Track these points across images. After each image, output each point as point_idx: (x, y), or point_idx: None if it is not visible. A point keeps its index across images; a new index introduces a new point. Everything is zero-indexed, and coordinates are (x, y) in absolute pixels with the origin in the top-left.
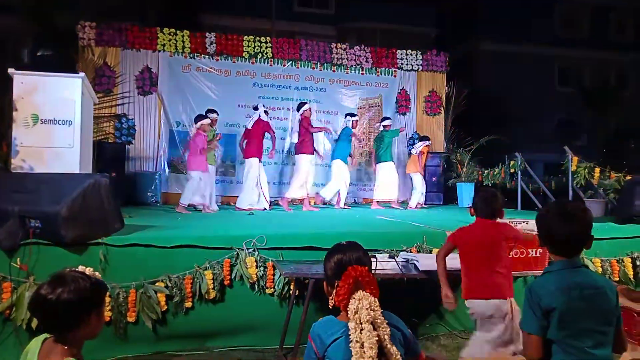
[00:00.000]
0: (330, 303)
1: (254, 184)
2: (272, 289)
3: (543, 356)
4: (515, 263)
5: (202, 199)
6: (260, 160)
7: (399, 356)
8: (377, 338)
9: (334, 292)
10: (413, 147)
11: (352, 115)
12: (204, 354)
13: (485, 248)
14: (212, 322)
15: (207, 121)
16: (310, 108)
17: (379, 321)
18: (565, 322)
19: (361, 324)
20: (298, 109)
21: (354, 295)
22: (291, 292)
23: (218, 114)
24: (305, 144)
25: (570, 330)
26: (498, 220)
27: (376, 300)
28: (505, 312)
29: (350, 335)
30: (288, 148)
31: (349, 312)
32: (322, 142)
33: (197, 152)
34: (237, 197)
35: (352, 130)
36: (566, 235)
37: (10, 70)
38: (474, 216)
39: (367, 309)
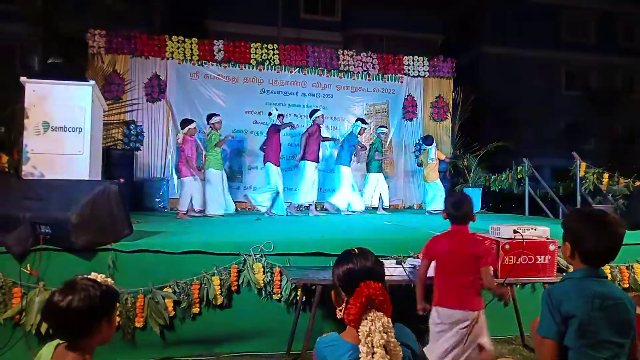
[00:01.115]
0: (338, 314)
1: (276, 189)
2: (280, 295)
3: None
4: (523, 269)
5: (197, 204)
6: (278, 166)
7: None
8: None
9: (343, 304)
10: (421, 152)
11: (363, 122)
12: (211, 359)
13: (455, 260)
14: (220, 328)
15: (193, 125)
16: (322, 115)
17: (392, 344)
18: (585, 332)
19: (373, 347)
20: (310, 115)
21: (366, 316)
22: (298, 298)
23: (220, 116)
24: (311, 151)
25: (589, 340)
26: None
27: (389, 320)
28: (464, 325)
29: (360, 358)
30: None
31: (360, 334)
32: (326, 147)
33: (186, 159)
34: (245, 202)
35: (358, 137)
36: (605, 249)
37: (23, 79)
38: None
39: (380, 332)
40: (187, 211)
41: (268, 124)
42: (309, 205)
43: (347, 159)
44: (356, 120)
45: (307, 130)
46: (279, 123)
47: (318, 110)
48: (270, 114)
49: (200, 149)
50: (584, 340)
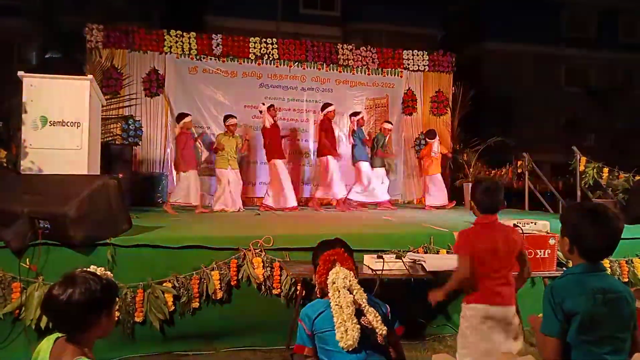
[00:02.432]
0: (316, 289)
1: (281, 184)
2: (279, 290)
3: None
4: None
5: (186, 199)
6: (282, 159)
7: (377, 314)
8: (352, 299)
9: (316, 276)
10: (422, 148)
11: (355, 114)
12: (211, 354)
13: (497, 254)
14: (219, 323)
15: (188, 119)
16: (334, 110)
17: (355, 287)
18: (587, 328)
19: (338, 290)
20: (322, 109)
21: (331, 271)
22: (298, 292)
23: (236, 118)
24: (326, 146)
25: (591, 335)
26: (504, 222)
27: (351, 272)
28: (509, 321)
29: (331, 302)
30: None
31: (328, 285)
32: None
33: (182, 152)
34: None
35: (362, 129)
36: (599, 241)
37: (20, 73)
38: (475, 213)
39: (343, 278)
40: (168, 203)
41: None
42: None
43: (362, 155)
44: (350, 117)
45: (321, 126)
46: (270, 117)
47: (331, 104)
48: (260, 112)
49: (199, 143)
50: (586, 336)
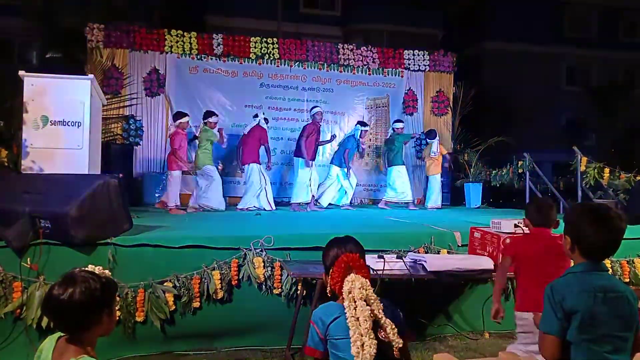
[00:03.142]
0: (328, 290)
1: (257, 188)
2: (280, 289)
3: (560, 357)
4: None
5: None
6: (259, 164)
7: (393, 326)
8: (370, 312)
9: (328, 278)
10: (424, 148)
11: (363, 124)
12: (211, 353)
13: (545, 260)
14: (220, 322)
15: (185, 119)
16: (320, 112)
17: (371, 298)
18: (587, 326)
19: (355, 301)
20: (311, 110)
21: (347, 278)
22: (298, 292)
23: (217, 116)
24: (303, 149)
25: (591, 334)
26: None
27: (367, 281)
28: None
29: (346, 312)
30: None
31: (343, 293)
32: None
33: (174, 151)
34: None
35: (359, 140)
36: (605, 243)
37: (21, 73)
38: (528, 227)
39: (359, 288)
40: (175, 205)
41: (250, 124)
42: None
43: (340, 160)
44: (356, 125)
45: (304, 128)
46: (264, 126)
47: (317, 106)
48: (256, 115)
49: (222, 140)
50: (587, 334)
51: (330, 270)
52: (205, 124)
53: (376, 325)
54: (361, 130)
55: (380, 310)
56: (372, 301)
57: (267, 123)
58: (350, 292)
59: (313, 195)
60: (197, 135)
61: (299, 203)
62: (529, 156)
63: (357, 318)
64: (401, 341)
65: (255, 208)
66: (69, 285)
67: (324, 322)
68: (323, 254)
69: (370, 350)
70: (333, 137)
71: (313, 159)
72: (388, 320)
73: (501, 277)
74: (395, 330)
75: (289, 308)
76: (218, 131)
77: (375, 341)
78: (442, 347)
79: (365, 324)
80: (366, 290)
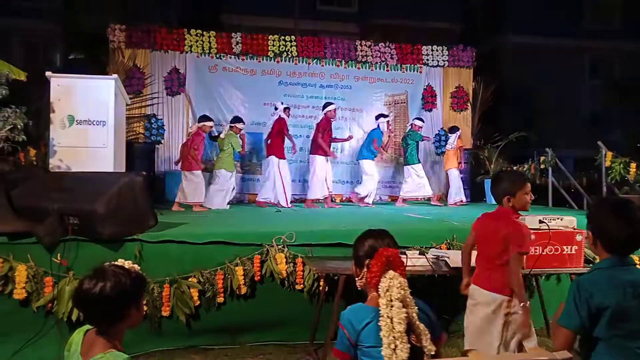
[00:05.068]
0: (358, 284)
1: (273, 182)
2: (302, 285)
3: (569, 349)
4: (549, 260)
5: (195, 198)
6: (281, 158)
7: (426, 332)
8: (406, 315)
9: (363, 272)
10: (447, 143)
11: (384, 116)
12: (235, 348)
13: (486, 241)
14: (244, 317)
15: (209, 124)
16: (335, 109)
17: (408, 300)
18: (618, 322)
19: (392, 301)
20: (323, 108)
21: (385, 275)
22: (321, 288)
23: (244, 124)
24: (319, 145)
25: (622, 330)
26: (515, 213)
27: (405, 280)
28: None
29: (380, 311)
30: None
31: (379, 290)
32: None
33: (195, 152)
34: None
35: (382, 133)
36: (626, 236)
37: (48, 74)
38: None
39: (397, 287)
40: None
41: (273, 118)
42: (325, 198)
43: (370, 153)
44: (377, 118)
45: (318, 125)
46: (285, 117)
47: (331, 103)
48: (276, 108)
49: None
50: (617, 330)
51: (366, 262)
52: (231, 128)
53: (409, 329)
54: (385, 122)
55: (415, 314)
56: (408, 303)
57: (288, 111)
58: (387, 290)
59: (330, 191)
60: (220, 136)
61: (315, 200)
62: (551, 152)
63: (392, 319)
64: (434, 348)
65: (271, 203)
66: (100, 279)
67: (355, 328)
68: (355, 244)
69: (402, 355)
70: (350, 137)
71: (330, 155)
72: (422, 325)
73: (464, 251)
74: (429, 337)
75: (312, 304)
76: (240, 137)
77: (408, 345)
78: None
79: (399, 327)
80: (404, 290)
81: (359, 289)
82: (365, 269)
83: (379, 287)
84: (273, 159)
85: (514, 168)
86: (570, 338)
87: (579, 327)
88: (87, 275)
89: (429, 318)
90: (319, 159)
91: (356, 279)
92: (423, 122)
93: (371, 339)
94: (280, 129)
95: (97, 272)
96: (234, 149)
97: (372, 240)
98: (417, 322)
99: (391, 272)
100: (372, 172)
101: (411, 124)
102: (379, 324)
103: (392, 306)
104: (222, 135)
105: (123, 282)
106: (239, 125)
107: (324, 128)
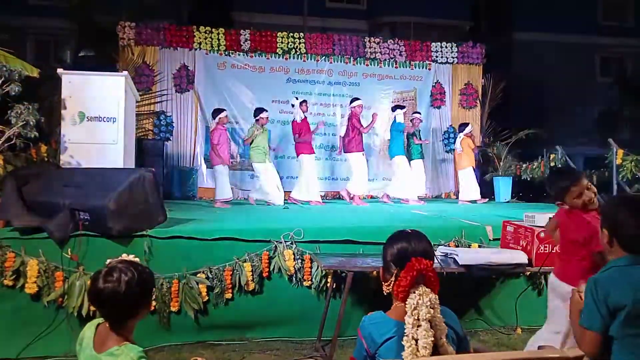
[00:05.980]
0: (385, 289)
1: (305, 179)
2: (310, 282)
3: (598, 353)
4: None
5: (224, 193)
6: (311, 153)
7: (454, 355)
8: (432, 338)
9: (391, 279)
10: (450, 140)
11: (400, 107)
12: (243, 344)
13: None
14: (252, 313)
15: (224, 114)
16: (361, 105)
17: (437, 320)
18: (633, 321)
19: (419, 320)
20: (350, 103)
21: (415, 290)
22: (328, 284)
23: (267, 111)
24: (354, 142)
25: (637, 329)
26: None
27: (436, 297)
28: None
29: (405, 330)
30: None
31: (407, 306)
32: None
33: (217, 147)
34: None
35: (404, 124)
36: (638, 231)
37: (59, 70)
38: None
39: (427, 306)
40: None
41: (291, 116)
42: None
43: (400, 149)
44: (394, 110)
45: (349, 121)
46: (302, 112)
47: (358, 98)
48: (292, 105)
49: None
50: (632, 329)
51: (393, 270)
52: (257, 121)
53: (434, 349)
54: (402, 113)
55: (444, 336)
56: (437, 323)
57: (305, 105)
58: (415, 309)
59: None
60: (255, 134)
61: (361, 196)
62: (561, 149)
63: (417, 341)
64: None
65: (303, 201)
66: (114, 276)
67: (375, 342)
68: (385, 246)
69: None
70: (374, 115)
71: (362, 150)
72: (450, 348)
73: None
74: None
75: (319, 300)
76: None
77: None
78: (474, 342)
79: (425, 352)
80: (434, 309)
81: (385, 293)
82: (392, 278)
83: (407, 302)
84: (302, 157)
85: (523, 166)
86: (597, 341)
87: (602, 327)
88: (100, 272)
89: (457, 333)
90: (355, 157)
91: (383, 283)
92: (402, 108)
93: (391, 354)
94: (294, 132)
95: (110, 269)
96: (262, 138)
97: (403, 243)
98: (445, 345)
99: (422, 288)
100: (404, 169)
101: (412, 119)
102: (403, 342)
103: (418, 326)
104: (256, 132)
105: (136, 279)
106: (264, 115)
107: (354, 126)
